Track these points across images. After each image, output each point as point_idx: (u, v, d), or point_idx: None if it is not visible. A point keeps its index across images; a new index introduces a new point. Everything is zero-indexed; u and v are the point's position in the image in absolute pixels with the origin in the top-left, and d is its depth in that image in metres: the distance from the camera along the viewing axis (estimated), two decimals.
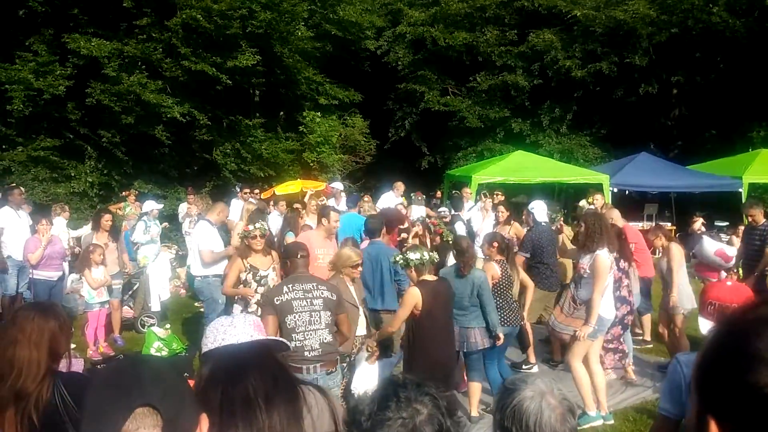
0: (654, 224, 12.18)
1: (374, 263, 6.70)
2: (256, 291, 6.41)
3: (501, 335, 6.11)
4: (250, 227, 6.56)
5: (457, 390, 6.62)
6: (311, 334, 4.63)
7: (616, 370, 7.28)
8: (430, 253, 5.64)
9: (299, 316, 4.63)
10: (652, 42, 19.23)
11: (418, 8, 22.73)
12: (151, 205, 11.08)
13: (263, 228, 6.64)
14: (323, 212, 7.96)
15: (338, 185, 13.86)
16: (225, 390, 1.80)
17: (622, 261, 6.94)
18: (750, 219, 8.50)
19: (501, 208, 9.05)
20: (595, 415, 6.15)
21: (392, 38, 22.54)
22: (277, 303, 4.65)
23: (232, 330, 2.12)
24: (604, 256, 5.96)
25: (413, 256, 5.42)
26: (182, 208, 13.61)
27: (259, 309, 6.37)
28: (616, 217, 8.23)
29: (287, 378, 2.13)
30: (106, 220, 8.92)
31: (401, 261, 5.59)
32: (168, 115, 15.92)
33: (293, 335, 4.56)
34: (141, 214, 11.28)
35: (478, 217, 11.23)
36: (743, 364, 0.91)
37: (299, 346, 4.54)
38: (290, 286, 4.77)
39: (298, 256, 5.05)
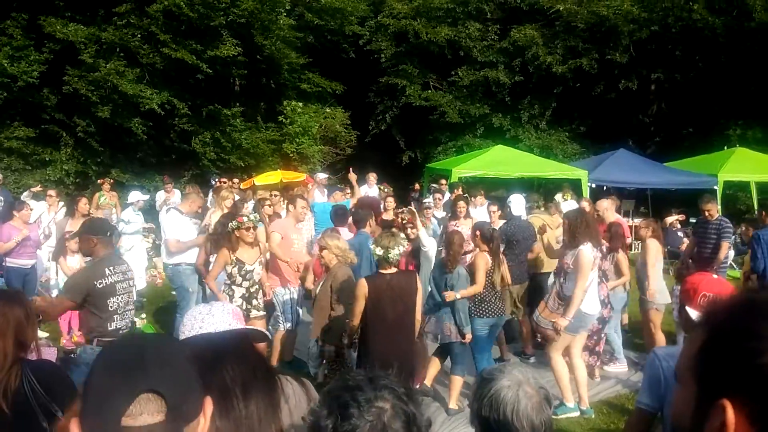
0: (637, 220, 12.33)
1: (360, 254, 6.67)
2: (240, 285, 6.40)
3: (468, 335, 6.15)
4: (244, 218, 6.44)
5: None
6: (125, 315, 4.78)
7: (588, 366, 7.31)
8: (399, 246, 5.33)
9: (120, 299, 4.70)
10: (633, 39, 19.40)
11: (400, 0, 22.66)
12: (137, 196, 10.92)
13: (256, 219, 6.59)
14: (290, 200, 8.15)
15: (322, 175, 13.86)
16: (201, 378, 1.77)
17: (601, 258, 6.99)
18: (707, 213, 8.61)
19: (461, 203, 8.98)
20: (572, 407, 6.22)
21: (375, 28, 22.47)
22: (100, 287, 4.57)
23: (210, 318, 2.10)
24: (587, 252, 6.00)
25: (378, 251, 5.24)
26: (159, 195, 13.46)
27: (244, 303, 6.39)
28: (608, 207, 8.41)
29: (265, 367, 2.11)
30: (84, 203, 8.80)
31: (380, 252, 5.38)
32: (146, 107, 15.73)
33: (115, 317, 4.66)
34: (126, 204, 11.09)
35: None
36: (758, 343, 0.93)
37: (118, 327, 4.67)
38: (111, 268, 4.70)
39: (108, 234, 4.88)
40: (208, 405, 1.21)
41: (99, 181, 14.33)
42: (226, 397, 1.94)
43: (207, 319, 2.09)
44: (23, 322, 2.59)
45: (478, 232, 6.60)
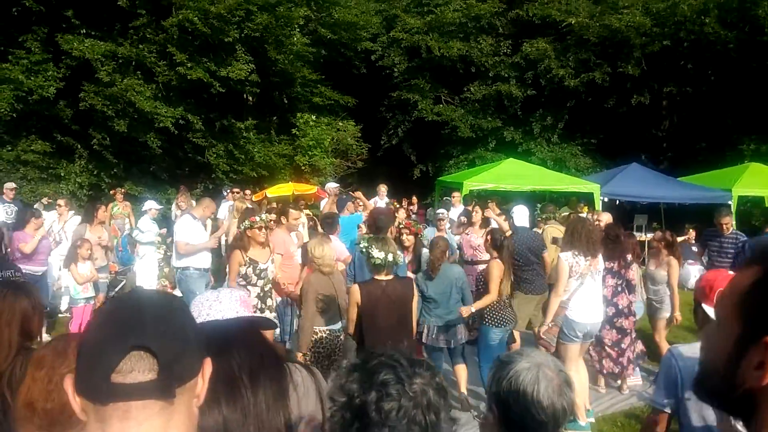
0: (650, 234, 12.24)
1: None
2: (255, 285, 6.44)
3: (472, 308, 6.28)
4: (256, 218, 6.57)
5: None
6: None
7: (611, 375, 7.21)
8: (394, 254, 5.20)
9: None
10: (645, 52, 19.36)
11: (413, 15, 22.77)
12: (151, 205, 10.97)
13: (266, 220, 6.72)
14: (282, 211, 8.16)
15: (332, 185, 13.85)
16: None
17: (616, 265, 6.93)
18: (724, 227, 8.56)
19: (477, 208, 8.93)
20: (584, 426, 6.10)
21: (387, 43, 22.58)
22: None
23: (218, 305, 2.08)
24: (564, 259, 6.04)
25: (377, 254, 5.08)
26: (175, 208, 13.58)
27: (259, 302, 6.41)
28: (605, 220, 8.32)
29: (273, 355, 2.09)
30: (103, 211, 8.90)
31: (365, 252, 5.21)
32: (160, 124, 15.87)
33: None
34: (141, 212, 11.16)
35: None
36: None
37: None
38: None
39: None
40: (207, 366, 1.18)
41: (111, 192, 14.42)
42: (233, 384, 1.92)
43: (215, 305, 2.08)
44: (29, 312, 2.60)
45: (489, 238, 6.55)
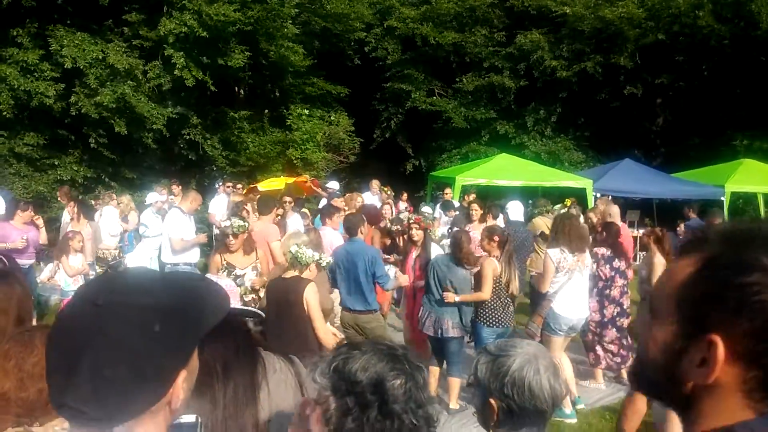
0: (641, 230, 12.29)
1: (349, 262, 6.32)
2: None
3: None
4: (226, 223, 6.15)
5: None
6: None
7: (610, 369, 7.24)
8: (305, 247, 4.93)
9: None
10: (638, 45, 19.37)
11: (408, 6, 22.77)
12: (155, 197, 10.81)
13: (243, 227, 6.15)
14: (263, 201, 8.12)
15: (334, 185, 13.78)
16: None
17: (616, 260, 6.95)
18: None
19: (474, 206, 8.91)
20: (569, 413, 6.23)
21: (381, 35, 22.55)
22: None
23: None
24: (550, 255, 6.17)
25: (310, 253, 4.85)
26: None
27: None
28: (614, 214, 8.34)
29: (249, 348, 2.13)
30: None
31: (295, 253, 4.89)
32: (154, 125, 15.81)
33: None
34: (146, 205, 10.95)
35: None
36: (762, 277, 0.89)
37: None
38: None
39: None
40: (182, 375, 1.10)
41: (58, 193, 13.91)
42: (204, 373, 1.90)
43: None
44: (23, 298, 2.62)
45: (497, 238, 6.36)
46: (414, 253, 7.22)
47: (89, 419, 1.01)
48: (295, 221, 9.78)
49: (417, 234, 7.22)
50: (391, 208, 11.06)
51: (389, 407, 1.41)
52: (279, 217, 9.02)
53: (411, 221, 7.49)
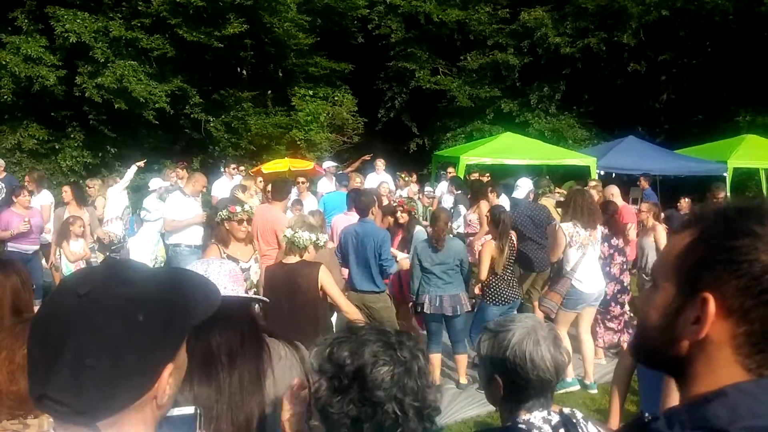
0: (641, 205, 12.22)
1: (359, 243, 6.25)
2: None
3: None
4: (237, 209, 5.33)
5: None
6: None
7: (612, 346, 7.31)
8: (308, 231, 4.78)
9: None
10: (642, 22, 19.17)
11: None
12: (158, 183, 10.61)
13: (250, 212, 5.54)
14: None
15: (329, 163, 13.82)
16: (186, 342, 1.74)
17: (614, 238, 7.01)
18: (719, 200, 8.63)
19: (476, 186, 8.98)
20: (571, 381, 6.34)
21: (384, 12, 22.31)
22: None
23: None
24: (563, 228, 6.24)
25: (306, 235, 4.72)
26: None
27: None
28: (615, 193, 8.36)
29: (255, 336, 2.10)
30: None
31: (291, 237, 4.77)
32: (156, 105, 15.77)
33: None
34: (149, 191, 10.73)
35: (448, 199, 11.28)
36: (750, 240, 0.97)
37: None
38: None
39: None
40: (167, 371, 1.09)
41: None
42: (209, 363, 1.94)
43: None
44: (20, 288, 2.59)
45: (487, 215, 6.64)
46: (400, 236, 7.29)
47: (72, 413, 1.00)
48: (311, 203, 9.81)
49: (402, 217, 7.27)
50: (388, 187, 11.04)
51: (371, 393, 1.46)
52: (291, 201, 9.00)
53: (395, 204, 7.56)
